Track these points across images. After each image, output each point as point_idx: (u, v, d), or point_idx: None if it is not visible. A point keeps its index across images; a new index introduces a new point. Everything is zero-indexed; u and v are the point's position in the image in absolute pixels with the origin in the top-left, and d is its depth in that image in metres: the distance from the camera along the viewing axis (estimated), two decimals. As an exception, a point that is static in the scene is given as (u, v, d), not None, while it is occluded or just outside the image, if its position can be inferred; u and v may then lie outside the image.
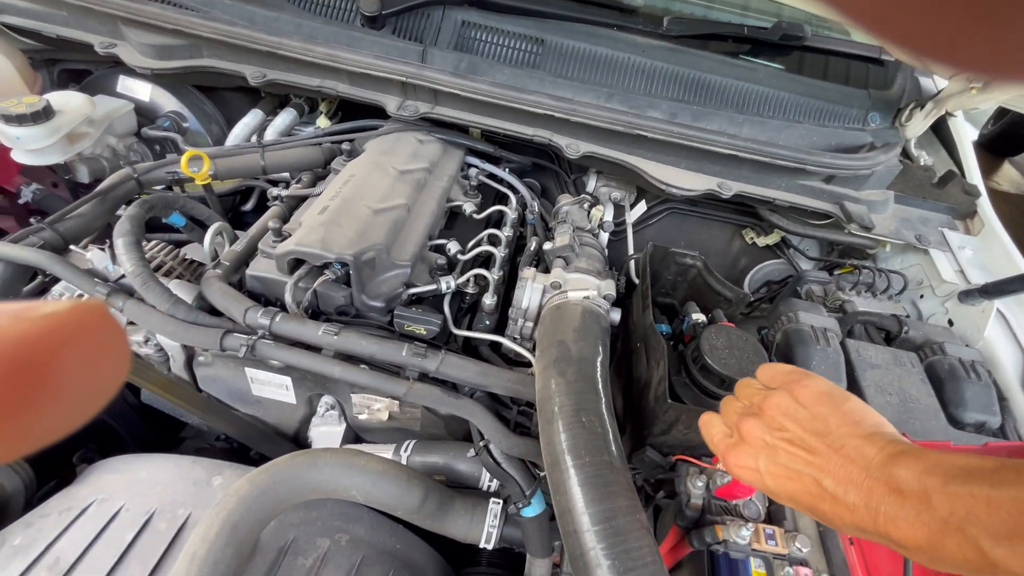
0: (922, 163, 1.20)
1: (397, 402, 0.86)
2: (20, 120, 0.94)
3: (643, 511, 0.60)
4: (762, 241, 1.38)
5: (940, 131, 1.25)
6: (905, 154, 1.24)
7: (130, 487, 0.71)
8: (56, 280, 0.85)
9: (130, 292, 0.79)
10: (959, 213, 1.11)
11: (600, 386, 0.71)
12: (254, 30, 0.99)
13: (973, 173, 1.14)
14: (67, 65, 1.31)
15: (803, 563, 0.64)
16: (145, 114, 1.25)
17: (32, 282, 0.86)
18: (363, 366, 0.79)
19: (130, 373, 0.85)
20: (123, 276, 0.80)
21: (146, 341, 0.86)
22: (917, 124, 1.16)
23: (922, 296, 1.08)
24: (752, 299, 1.22)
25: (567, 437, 0.64)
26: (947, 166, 1.23)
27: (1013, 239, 1.04)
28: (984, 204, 1.11)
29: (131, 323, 0.84)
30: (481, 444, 0.77)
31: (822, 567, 0.64)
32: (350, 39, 1.03)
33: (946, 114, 1.17)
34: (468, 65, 1.04)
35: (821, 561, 0.65)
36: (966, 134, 1.18)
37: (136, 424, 1.02)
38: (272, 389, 0.88)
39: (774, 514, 0.71)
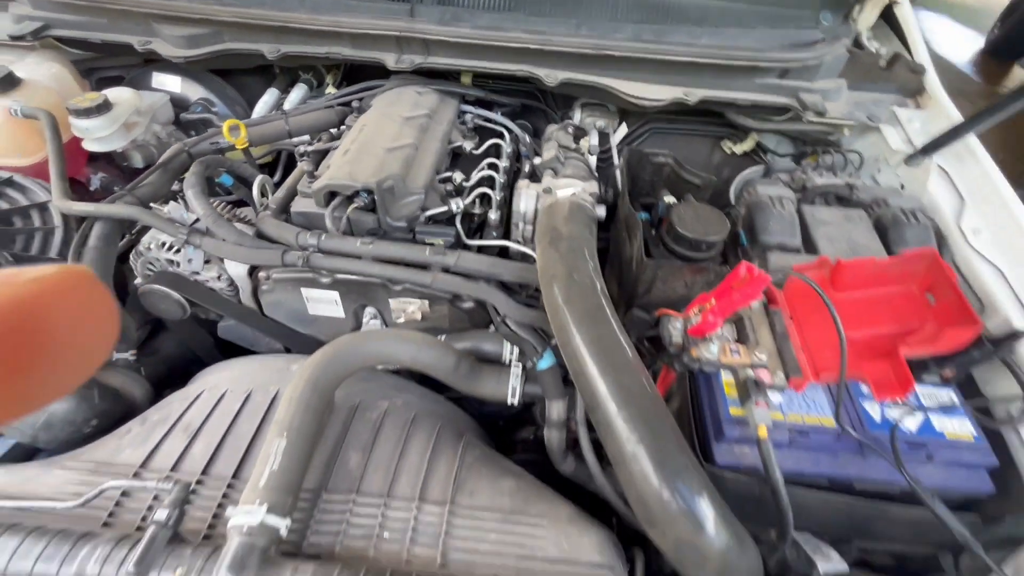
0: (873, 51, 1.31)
1: (427, 303, 1.03)
2: (88, 113, 1.13)
3: (626, 334, 0.76)
4: (739, 148, 1.51)
5: (892, 21, 1.35)
6: (860, 47, 1.34)
7: (229, 379, 0.91)
8: (138, 239, 1.04)
9: (203, 233, 0.97)
10: (908, 91, 1.22)
11: (587, 255, 0.87)
12: (266, 9, 1.15)
13: (920, 53, 1.24)
14: (104, 73, 1.49)
15: (762, 367, 0.80)
16: (178, 104, 1.44)
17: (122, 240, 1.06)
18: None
19: (214, 305, 1.05)
20: (196, 221, 0.99)
21: (219, 277, 1.05)
22: (867, 15, 1.26)
23: (879, 170, 1.20)
24: (720, 183, 1.35)
25: (562, 290, 0.80)
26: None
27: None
28: (931, 79, 1.21)
29: (207, 261, 1.03)
30: (499, 319, 0.94)
31: (777, 367, 0.80)
32: (347, 6, 1.19)
33: (891, 3, 1.27)
34: (452, 15, 1.19)
35: (777, 365, 0.81)
36: (912, 19, 1.28)
37: (216, 357, 1.22)
38: (324, 306, 1.07)
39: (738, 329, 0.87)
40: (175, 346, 1.18)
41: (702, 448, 0.80)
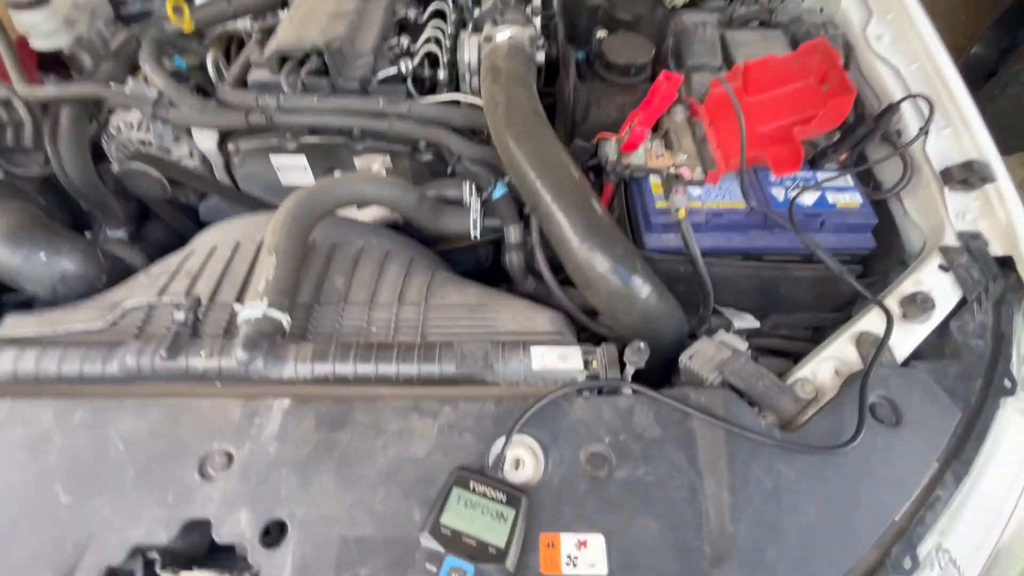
0: None
1: (389, 158, 1.12)
2: (28, 6, 1.13)
3: (561, 145, 0.87)
4: (679, 1, 1.55)
5: None
6: None
7: (217, 236, 1.01)
8: (107, 121, 1.10)
9: (168, 105, 1.03)
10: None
11: (524, 84, 0.95)
12: None
13: None
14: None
15: (683, 165, 0.92)
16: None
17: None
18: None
19: (192, 180, 1.12)
20: (160, 97, 1.04)
21: (191, 154, 1.12)
22: None
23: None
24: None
25: (503, 114, 0.90)
26: None
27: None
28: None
29: (177, 139, 1.10)
30: (455, 160, 1.04)
31: (696, 165, 0.92)
32: None
33: None
34: None
35: (697, 163, 0.93)
36: None
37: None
38: (295, 174, 1.15)
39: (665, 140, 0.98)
40: (163, 233, 1.26)
41: (635, 240, 0.94)
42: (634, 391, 0.71)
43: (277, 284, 0.79)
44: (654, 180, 0.94)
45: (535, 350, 0.76)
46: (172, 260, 0.97)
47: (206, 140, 1.09)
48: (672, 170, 0.91)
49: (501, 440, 0.67)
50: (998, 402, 0.68)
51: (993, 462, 0.65)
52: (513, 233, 1.03)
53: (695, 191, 0.92)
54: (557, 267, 1.02)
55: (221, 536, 0.61)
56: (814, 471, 0.64)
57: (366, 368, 0.75)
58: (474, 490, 0.57)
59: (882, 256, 0.94)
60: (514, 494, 0.58)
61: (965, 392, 0.70)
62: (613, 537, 0.61)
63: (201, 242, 1.01)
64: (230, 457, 0.66)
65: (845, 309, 1.02)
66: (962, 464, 0.64)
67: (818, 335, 1.06)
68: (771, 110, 0.91)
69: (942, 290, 0.79)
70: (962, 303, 0.78)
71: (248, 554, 0.60)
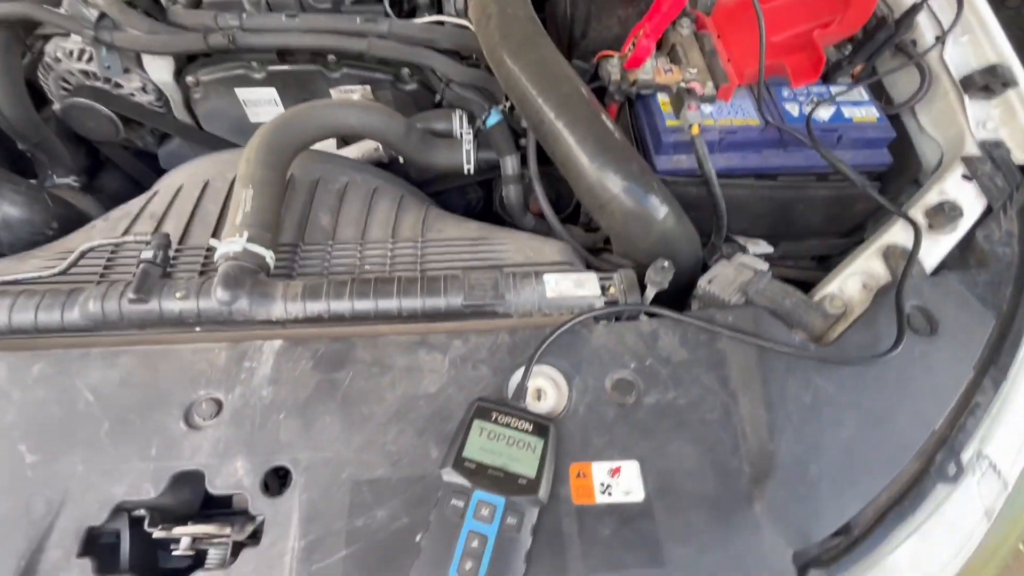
0: None
1: (370, 88, 1.02)
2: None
3: (562, 56, 0.79)
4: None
5: None
6: None
7: (183, 176, 0.90)
8: (44, 46, 0.96)
9: (112, 27, 0.91)
10: None
11: (520, -5, 0.86)
12: None
13: None
14: None
15: (694, 80, 0.85)
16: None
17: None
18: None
19: (146, 118, 1.00)
20: (102, 18, 0.91)
21: (143, 88, 1.00)
22: None
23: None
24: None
25: (498, 26, 0.81)
26: None
27: None
28: None
29: (127, 70, 0.97)
30: (442, 84, 0.95)
31: (707, 79, 0.86)
32: None
33: None
34: None
35: (707, 78, 0.86)
36: None
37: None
38: (264, 109, 1.04)
39: (671, 57, 0.91)
40: (120, 184, 1.14)
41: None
42: (658, 315, 0.66)
43: (256, 217, 0.70)
44: (662, 98, 0.87)
45: (548, 277, 0.70)
46: (133, 203, 0.87)
47: (160, 70, 0.97)
48: (683, 84, 0.84)
49: (520, 372, 0.62)
50: (1031, 307, 0.66)
51: (1030, 366, 0.63)
52: (510, 164, 0.96)
53: (706, 108, 0.86)
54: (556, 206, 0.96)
55: (216, 487, 0.54)
56: (852, 384, 0.60)
57: (364, 305, 0.68)
58: (497, 421, 0.52)
59: (896, 175, 0.91)
60: (541, 422, 0.53)
61: (996, 300, 0.67)
62: (647, 463, 0.57)
63: (166, 183, 0.90)
64: (219, 404, 0.59)
65: (854, 234, 0.99)
66: (999, 370, 0.62)
67: (824, 265, 1.04)
68: (786, 17, 0.85)
69: (967, 199, 0.76)
70: (987, 212, 0.75)
71: (249, 504, 0.53)
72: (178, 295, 0.65)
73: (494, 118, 0.94)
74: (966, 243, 0.74)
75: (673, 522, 0.53)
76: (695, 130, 0.80)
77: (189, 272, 0.74)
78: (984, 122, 0.82)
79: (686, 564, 0.51)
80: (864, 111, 0.87)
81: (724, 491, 0.55)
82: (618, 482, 0.55)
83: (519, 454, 0.51)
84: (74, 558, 0.51)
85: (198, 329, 0.67)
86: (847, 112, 0.87)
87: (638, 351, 0.64)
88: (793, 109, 0.87)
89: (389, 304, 0.68)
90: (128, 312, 0.65)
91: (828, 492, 0.55)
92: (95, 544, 0.54)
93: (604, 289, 0.71)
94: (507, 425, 0.52)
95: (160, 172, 1.14)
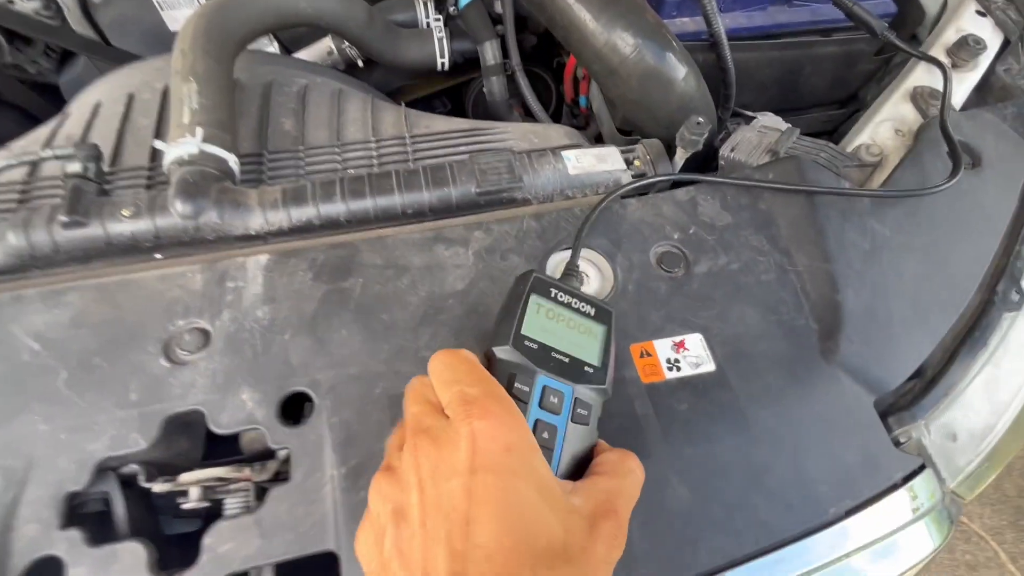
0: None
1: None
2: None
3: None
4: None
5: None
6: None
7: (99, 92, 0.74)
8: None
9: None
10: None
11: None
12: None
13: None
14: None
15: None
16: None
17: None
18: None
19: (35, 30, 0.81)
20: None
21: (24, -9, 0.80)
22: None
23: None
24: None
25: None
26: None
27: None
28: None
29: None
30: (402, -41, 0.81)
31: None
32: None
33: None
34: None
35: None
36: None
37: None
38: (184, 13, 0.87)
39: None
40: (15, 124, 0.94)
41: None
42: (696, 181, 0.60)
43: (208, 115, 0.57)
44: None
45: (568, 154, 0.62)
46: (40, 130, 0.70)
47: (42, -35, 0.77)
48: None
49: (559, 255, 0.54)
50: (1062, 132, 0.64)
51: (1068, 190, 0.61)
52: (490, 51, 0.85)
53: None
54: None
55: (221, 425, 0.45)
56: (908, 225, 0.57)
57: (360, 205, 0.57)
58: (557, 299, 0.42)
59: (896, 26, 0.86)
60: (603, 307, 0.44)
61: (1026, 131, 0.65)
62: (711, 332, 0.51)
63: (79, 103, 0.74)
64: (205, 334, 0.49)
65: (851, 103, 0.96)
66: (1045, 196, 0.60)
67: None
68: None
69: (985, 34, 0.72)
70: (1004, 46, 0.72)
71: (268, 437, 0.44)
72: (125, 212, 0.52)
73: (467, -4, 0.82)
74: (985, 80, 0.71)
75: (750, 387, 0.49)
76: (701, -18, 0.71)
77: (131, 196, 0.61)
78: (990, -44, 0.77)
79: (771, 426, 0.47)
80: (867, -46, 0.81)
81: (796, 350, 0.51)
82: (685, 356, 0.50)
83: (581, 339, 0.42)
84: (56, 530, 0.41)
85: (159, 256, 0.55)
86: (851, -43, 0.80)
87: (679, 221, 0.58)
88: (795, -40, 0.80)
89: (391, 201, 0.58)
90: (64, 241, 0.52)
91: (900, 336, 0.52)
92: (80, 514, 0.44)
93: (629, 163, 0.63)
94: (567, 305, 0.42)
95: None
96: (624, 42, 0.63)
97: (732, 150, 0.67)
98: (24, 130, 0.93)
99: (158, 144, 0.55)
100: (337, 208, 0.57)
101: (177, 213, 0.52)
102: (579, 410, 0.39)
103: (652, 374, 0.49)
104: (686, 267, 0.55)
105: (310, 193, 0.56)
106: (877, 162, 0.63)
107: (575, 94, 0.99)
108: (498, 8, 0.86)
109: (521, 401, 0.37)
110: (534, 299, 0.41)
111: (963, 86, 0.69)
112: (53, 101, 0.96)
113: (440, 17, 0.84)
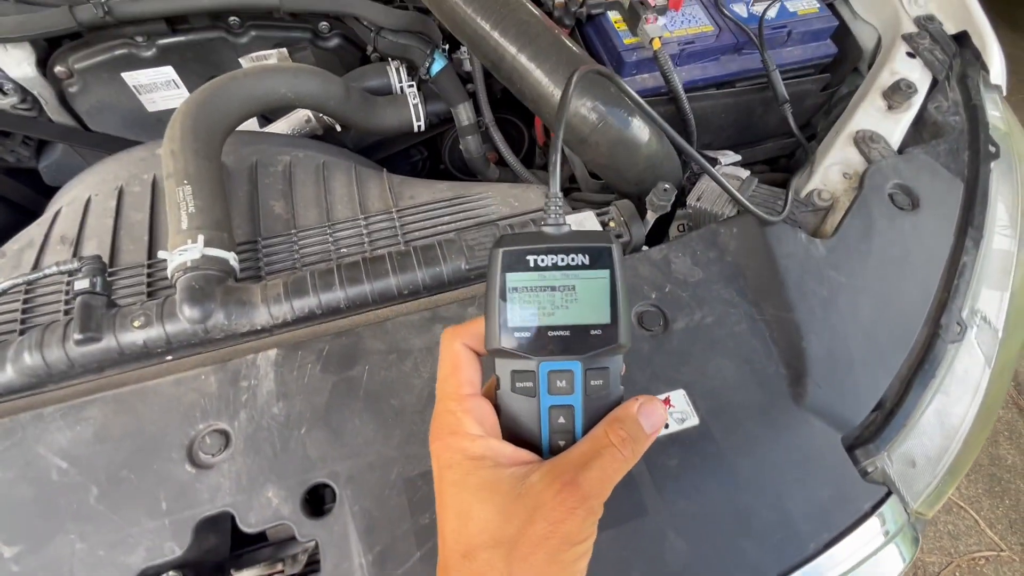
0: None
1: (286, 51, 0.90)
2: None
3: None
4: None
5: None
6: None
7: (88, 187, 0.76)
8: None
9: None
10: None
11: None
12: None
13: None
14: None
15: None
16: None
17: None
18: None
19: (13, 125, 0.82)
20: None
21: (1, 89, 0.81)
22: None
23: None
24: None
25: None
26: None
27: None
28: None
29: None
30: (372, 33, 0.84)
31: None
32: None
33: None
34: None
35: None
36: None
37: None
38: (163, 95, 0.89)
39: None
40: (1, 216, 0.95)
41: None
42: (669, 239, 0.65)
43: (206, 217, 0.60)
44: (614, 16, 0.83)
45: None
46: (32, 230, 0.72)
47: (17, 63, 0.78)
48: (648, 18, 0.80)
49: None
50: (989, 167, 0.71)
51: (996, 220, 0.68)
52: (464, 113, 0.89)
53: (660, 20, 0.82)
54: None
55: (251, 524, 0.48)
56: (860, 269, 0.63)
57: (359, 290, 0.61)
58: (538, 265, 0.34)
59: (837, 65, 0.93)
60: (597, 247, 0.34)
61: (958, 166, 0.72)
62: (693, 387, 0.56)
63: (67, 199, 0.76)
64: (225, 435, 0.52)
65: (805, 130, 1.02)
66: (976, 230, 0.67)
67: (775, 166, 1.07)
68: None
69: (916, 75, 0.79)
70: (933, 84, 0.79)
71: (295, 531, 0.48)
72: (136, 323, 0.55)
73: (439, 63, 0.86)
74: (919, 118, 0.78)
75: (733, 437, 0.54)
76: (656, 44, 0.76)
77: (135, 297, 0.63)
78: (914, -1, 0.85)
79: (754, 473, 0.52)
80: (804, 2, 0.87)
81: (770, 397, 0.56)
82: (671, 412, 0.55)
83: (580, 299, 0.34)
84: (105, 644, 0.43)
85: (170, 358, 0.58)
86: (791, 6, 0.86)
87: (655, 280, 0.63)
88: (740, 10, 0.86)
89: (387, 284, 0.61)
90: (79, 356, 0.54)
91: (860, 374, 0.58)
92: (123, 623, 0.46)
93: (604, 224, 0.68)
94: (553, 267, 0.34)
95: (47, 191, 0.96)
96: (592, 113, 0.68)
97: (698, 199, 0.73)
98: (10, 218, 0.94)
99: (162, 254, 0.58)
100: (336, 296, 0.60)
101: (186, 319, 0.55)
102: (593, 381, 0.34)
103: (643, 433, 0.54)
104: (665, 325, 0.60)
105: (310, 284, 0.60)
106: (829, 206, 0.69)
107: (547, 138, 1.04)
108: (467, 67, 0.90)
109: (528, 396, 0.34)
110: (511, 280, 0.34)
111: (899, 126, 0.76)
112: (35, 185, 0.96)
113: (413, 84, 0.88)
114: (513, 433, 0.34)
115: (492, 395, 0.35)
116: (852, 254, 0.63)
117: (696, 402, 0.56)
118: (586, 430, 0.33)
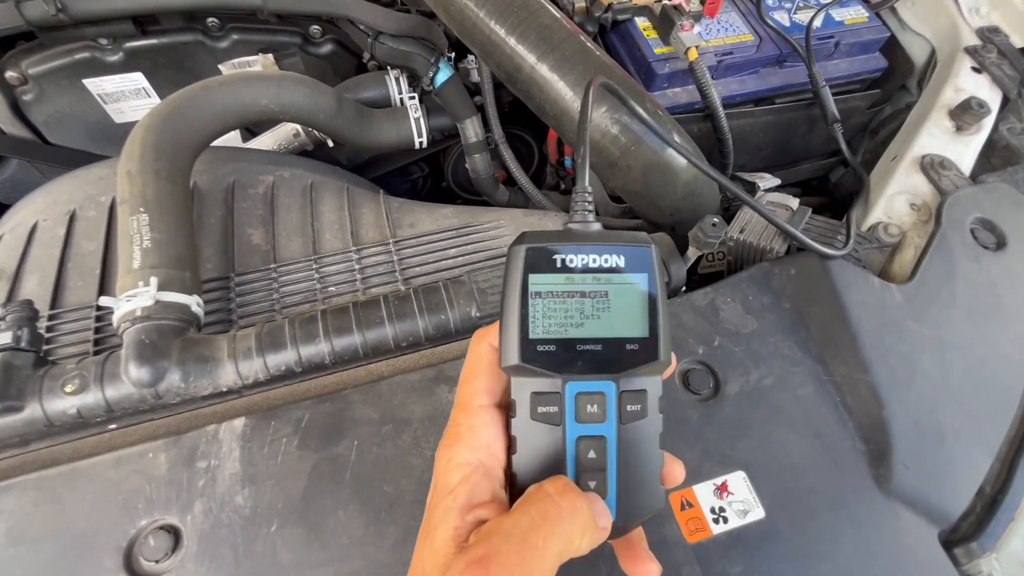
0: None
1: (271, 57, 0.80)
2: None
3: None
4: None
5: None
6: None
7: (36, 210, 0.65)
8: None
9: None
10: None
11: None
12: None
13: None
14: None
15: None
16: None
17: None
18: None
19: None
20: None
21: (-59, 96, 0.71)
22: None
23: None
24: None
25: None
26: None
27: None
28: None
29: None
30: (369, 39, 0.75)
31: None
32: None
33: None
34: None
35: (689, -8, 0.73)
36: None
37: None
38: (132, 104, 0.79)
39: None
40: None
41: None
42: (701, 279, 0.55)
43: (163, 253, 0.50)
44: (641, 23, 0.74)
45: (573, 261, 0.56)
46: (-34, 263, 0.61)
47: (-39, 68, 0.68)
48: (667, 1, 0.71)
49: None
50: (1078, 198, 0.62)
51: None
52: (471, 129, 0.79)
53: (696, 28, 0.73)
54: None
55: (203, 657, 0.37)
56: (944, 321, 0.53)
57: (347, 342, 0.50)
58: (567, 266, 0.28)
59: (883, 80, 0.84)
60: (635, 248, 0.29)
61: (1041, 196, 0.62)
62: (753, 467, 0.46)
63: (11, 223, 0.65)
64: (175, 533, 0.41)
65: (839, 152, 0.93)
66: (1072, 270, 0.57)
67: (807, 187, 0.98)
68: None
69: (984, 93, 0.70)
70: (1004, 103, 0.70)
71: (259, 670, 0.37)
72: (68, 388, 0.44)
73: (444, 73, 0.76)
74: (988, 140, 0.69)
75: (805, 534, 0.44)
76: (692, 54, 0.67)
77: (79, 345, 0.53)
78: (976, 8, 0.76)
79: (835, 582, 0.42)
80: (853, 11, 0.79)
81: (847, 479, 0.46)
82: (730, 502, 0.44)
83: (613, 307, 0.29)
84: None
85: (113, 427, 0.47)
86: (837, 15, 0.78)
87: (702, 331, 0.53)
88: (782, 19, 0.77)
89: (381, 334, 0.51)
90: (-6, 429, 0.43)
91: (954, 453, 0.48)
92: None
93: (638, 262, 0.58)
94: (584, 269, 0.28)
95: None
96: (624, 133, 0.58)
97: (741, 231, 0.63)
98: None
99: (105, 301, 0.47)
100: (320, 349, 0.50)
101: (132, 381, 0.45)
102: (628, 406, 0.28)
103: (698, 530, 0.43)
104: (716, 387, 0.50)
105: (288, 335, 0.49)
106: (897, 242, 0.60)
107: (559, 155, 0.94)
108: (474, 77, 0.81)
109: (552, 424, 0.28)
110: (535, 282, 0.29)
111: (970, 150, 0.66)
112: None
113: (415, 95, 0.78)
114: (530, 472, 0.28)
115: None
116: (934, 302, 0.54)
117: (759, 487, 0.45)
118: (620, 469, 0.28)
